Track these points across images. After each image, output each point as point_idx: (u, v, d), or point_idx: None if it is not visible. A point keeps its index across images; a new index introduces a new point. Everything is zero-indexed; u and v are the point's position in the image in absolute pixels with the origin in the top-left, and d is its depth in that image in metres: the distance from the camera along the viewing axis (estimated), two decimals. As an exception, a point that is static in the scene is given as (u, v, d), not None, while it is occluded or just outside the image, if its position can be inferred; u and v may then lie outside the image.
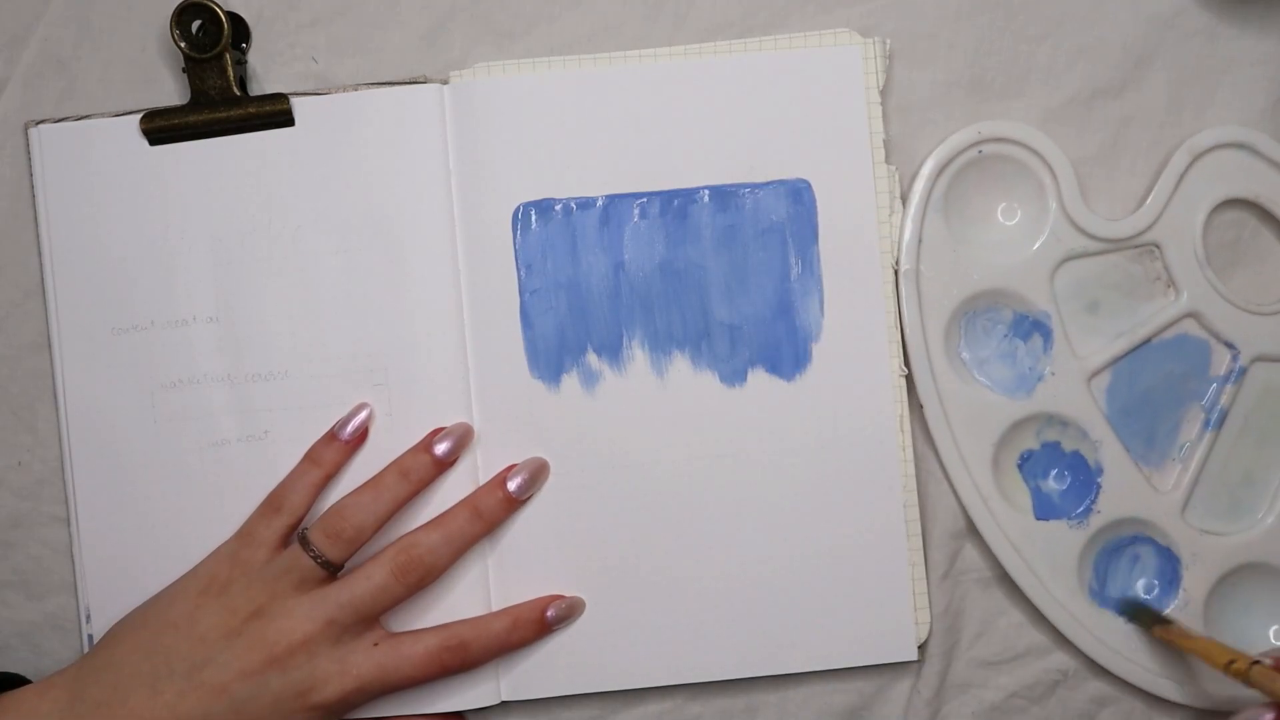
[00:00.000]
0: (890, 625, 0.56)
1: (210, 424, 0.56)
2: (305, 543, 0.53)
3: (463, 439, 0.56)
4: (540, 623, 0.55)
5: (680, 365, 0.57)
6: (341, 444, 0.55)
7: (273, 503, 0.55)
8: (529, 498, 0.56)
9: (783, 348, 0.57)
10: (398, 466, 0.55)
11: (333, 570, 0.53)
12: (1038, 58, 0.58)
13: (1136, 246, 0.57)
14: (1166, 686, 0.57)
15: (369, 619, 0.53)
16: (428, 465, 0.55)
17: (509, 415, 0.56)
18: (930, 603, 0.57)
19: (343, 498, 0.55)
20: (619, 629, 0.57)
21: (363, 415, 0.56)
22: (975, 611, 0.58)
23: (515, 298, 0.56)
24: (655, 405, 0.56)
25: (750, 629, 0.56)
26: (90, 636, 0.56)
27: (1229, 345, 0.57)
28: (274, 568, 0.53)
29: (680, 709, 0.58)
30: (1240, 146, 0.57)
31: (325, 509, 0.55)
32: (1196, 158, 0.57)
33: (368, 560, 0.54)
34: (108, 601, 0.56)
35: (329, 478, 0.55)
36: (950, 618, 0.58)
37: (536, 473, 0.56)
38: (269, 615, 0.52)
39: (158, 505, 0.56)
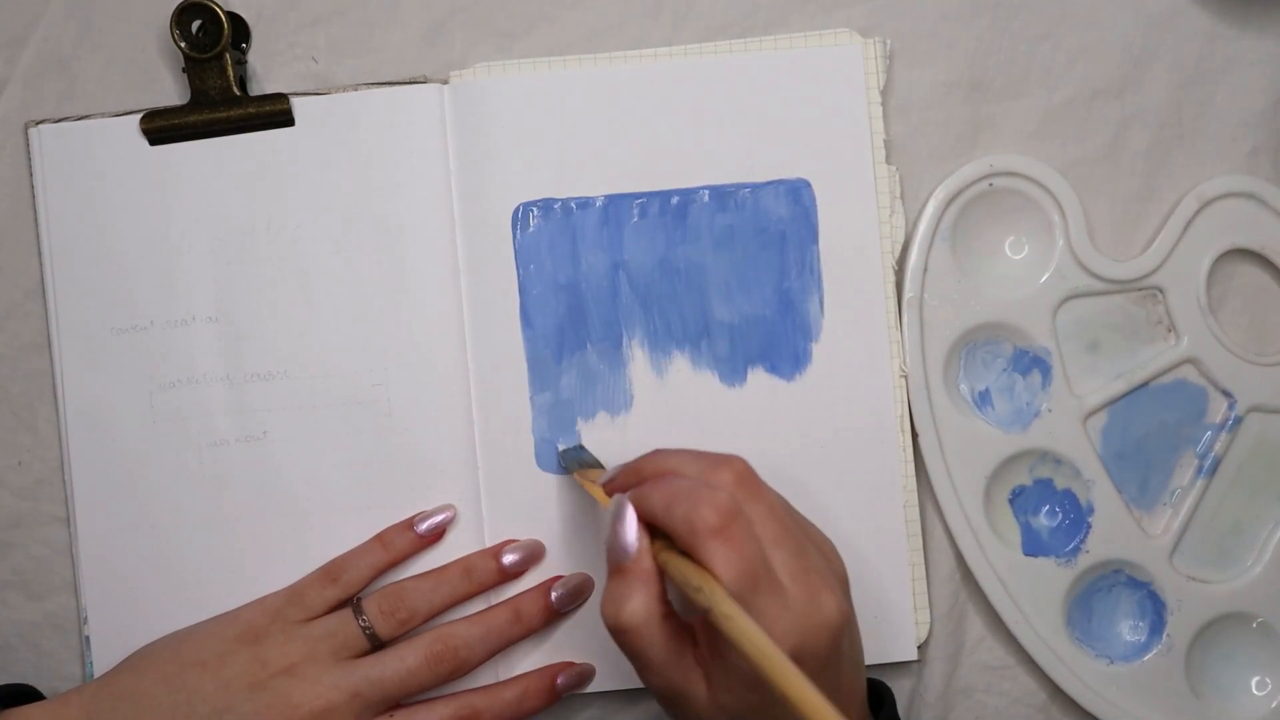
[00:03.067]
0: (890, 625, 0.56)
1: (209, 424, 0.56)
2: (358, 611, 0.53)
3: (532, 554, 0.56)
4: (550, 690, 0.55)
5: (680, 365, 0.57)
6: (415, 536, 0.55)
7: (331, 572, 0.55)
8: (569, 612, 0.56)
9: (783, 347, 0.57)
10: (464, 564, 0.55)
11: (376, 645, 0.53)
12: (1038, 58, 0.58)
13: (1140, 289, 0.57)
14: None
15: (392, 700, 0.53)
16: (492, 571, 0.55)
17: (509, 415, 0.56)
18: (930, 603, 0.57)
19: (404, 579, 0.55)
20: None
21: (444, 516, 0.56)
22: (980, 615, 0.58)
23: (515, 298, 0.56)
24: (655, 405, 0.56)
25: (750, 629, 0.56)
26: (88, 638, 0.56)
27: (1226, 393, 0.57)
28: (317, 629, 0.53)
29: (680, 709, 0.58)
30: (1249, 196, 0.57)
31: (381, 585, 0.55)
32: (1205, 205, 0.57)
33: (403, 642, 0.54)
34: (106, 601, 0.56)
35: (393, 564, 0.55)
36: (954, 621, 0.58)
37: (579, 589, 0.56)
38: (298, 676, 0.52)
39: (157, 505, 0.56)
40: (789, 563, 0.45)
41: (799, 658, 0.43)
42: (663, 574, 0.46)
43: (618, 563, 0.46)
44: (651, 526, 0.46)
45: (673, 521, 0.45)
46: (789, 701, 0.41)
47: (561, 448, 0.56)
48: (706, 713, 0.46)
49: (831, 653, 0.45)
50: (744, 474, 0.47)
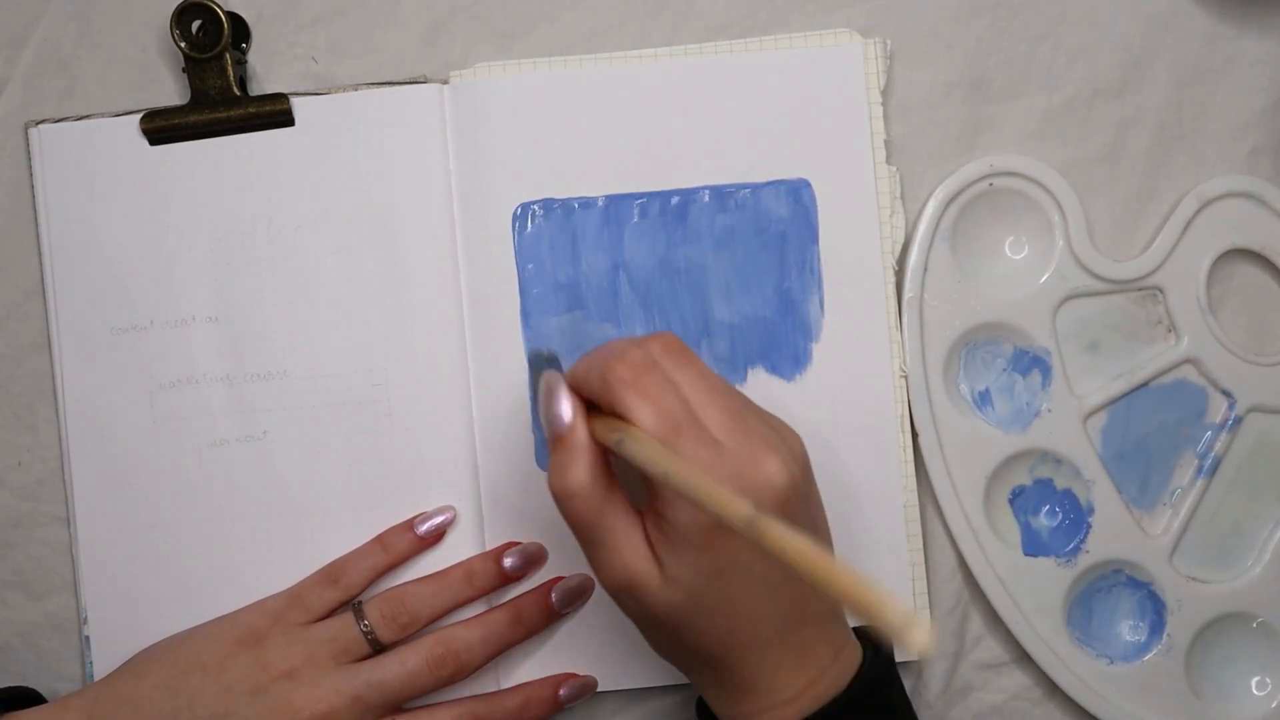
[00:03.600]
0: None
1: (209, 424, 0.56)
2: (360, 615, 0.53)
3: (533, 558, 0.56)
4: (553, 701, 0.55)
5: (680, 365, 0.57)
6: (415, 538, 0.55)
7: (330, 575, 0.55)
8: (569, 613, 0.56)
9: (783, 348, 0.57)
10: (465, 569, 0.55)
11: (376, 649, 0.53)
12: (1038, 58, 0.58)
13: (1140, 289, 0.57)
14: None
15: (393, 704, 0.53)
16: (493, 575, 0.55)
17: (509, 415, 0.56)
18: (931, 603, 0.57)
19: (406, 583, 0.55)
20: (620, 629, 0.56)
21: (444, 517, 0.56)
22: (980, 614, 0.58)
23: (515, 298, 0.56)
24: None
25: (750, 629, 0.56)
26: (88, 638, 0.56)
27: (1226, 394, 0.57)
28: (318, 632, 0.53)
29: (680, 709, 0.58)
30: (1249, 196, 0.57)
31: (381, 587, 0.55)
32: (1205, 205, 0.57)
33: (404, 645, 0.53)
34: (106, 601, 0.56)
35: (393, 566, 0.55)
36: (954, 620, 0.58)
37: (579, 590, 0.56)
38: (299, 680, 0.52)
39: (157, 505, 0.56)
40: (724, 422, 0.45)
41: None
42: (604, 449, 0.46)
43: (555, 434, 0.46)
44: (591, 405, 0.47)
45: (591, 383, 0.45)
46: (687, 494, 0.41)
47: (533, 351, 0.56)
48: (661, 594, 0.45)
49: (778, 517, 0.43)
50: (671, 343, 0.47)
